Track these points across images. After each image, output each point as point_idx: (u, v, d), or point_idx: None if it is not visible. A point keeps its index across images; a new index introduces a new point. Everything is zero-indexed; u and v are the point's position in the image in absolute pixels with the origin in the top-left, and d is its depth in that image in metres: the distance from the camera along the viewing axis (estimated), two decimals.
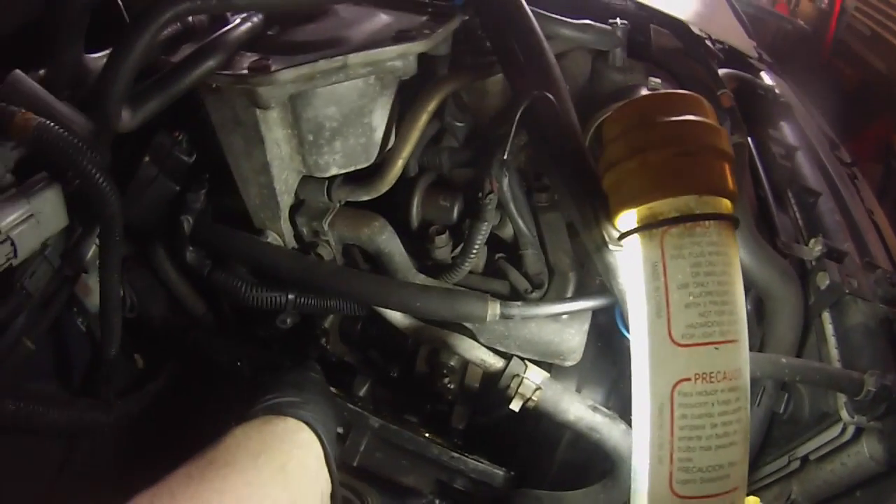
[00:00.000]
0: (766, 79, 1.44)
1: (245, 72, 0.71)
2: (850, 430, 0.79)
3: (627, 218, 0.59)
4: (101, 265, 0.78)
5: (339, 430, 0.89)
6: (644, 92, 0.88)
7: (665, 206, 0.55)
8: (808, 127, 1.40)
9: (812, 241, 0.96)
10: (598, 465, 0.92)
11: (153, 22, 0.65)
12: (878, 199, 1.30)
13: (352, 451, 0.88)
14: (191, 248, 0.88)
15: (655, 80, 0.90)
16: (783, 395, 0.88)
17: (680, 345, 0.52)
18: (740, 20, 1.53)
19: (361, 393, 1.03)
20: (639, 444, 0.55)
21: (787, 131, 1.30)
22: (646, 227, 0.55)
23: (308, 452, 0.65)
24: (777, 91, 1.34)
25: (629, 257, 0.58)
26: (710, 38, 1.27)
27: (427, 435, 0.88)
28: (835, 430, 0.81)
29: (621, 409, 0.85)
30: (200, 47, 0.74)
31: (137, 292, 1.02)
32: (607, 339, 0.88)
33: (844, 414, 0.79)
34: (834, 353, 0.87)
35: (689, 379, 0.52)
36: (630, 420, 0.80)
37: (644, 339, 0.54)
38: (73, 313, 0.94)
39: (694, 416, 0.52)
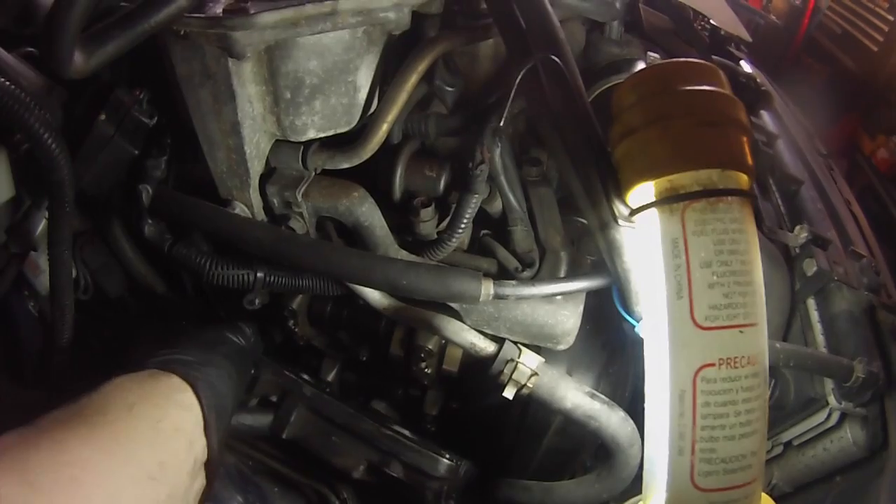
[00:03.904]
0: (747, 67, 1.44)
1: (220, 14, 0.63)
2: (835, 416, 0.80)
3: (642, 191, 0.54)
4: (50, 240, 0.69)
5: (273, 398, 0.83)
6: (642, 66, 0.84)
7: (687, 178, 0.51)
8: (786, 116, 1.40)
9: (797, 227, 0.96)
10: (582, 452, 0.89)
11: None
12: None
13: (282, 421, 0.81)
14: (149, 221, 0.77)
15: (654, 56, 0.86)
16: (770, 380, 0.87)
17: (703, 328, 0.49)
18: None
19: (329, 378, 0.97)
20: (655, 433, 0.52)
21: (768, 119, 1.30)
22: (666, 200, 0.51)
23: (186, 415, 0.61)
24: (758, 80, 1.34)
25: (644, 234, 0.54)
26: (699, 19, 1.24)
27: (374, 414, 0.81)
28: (820, 416, 0.82)
29: (611, 394, 0.82)
30: None
31: (92, 272, 0.92)
32: (595, 321, 0.84)
33: (832, 400, 0.80)
34: (820, 339, 0.88)
35: (712, 364, 0.48)
36: (623, 407, 0.78)
37: (663, 321, 0.50)
38: (24, 296, 0.84)
39: (717, 404, 0.49)
